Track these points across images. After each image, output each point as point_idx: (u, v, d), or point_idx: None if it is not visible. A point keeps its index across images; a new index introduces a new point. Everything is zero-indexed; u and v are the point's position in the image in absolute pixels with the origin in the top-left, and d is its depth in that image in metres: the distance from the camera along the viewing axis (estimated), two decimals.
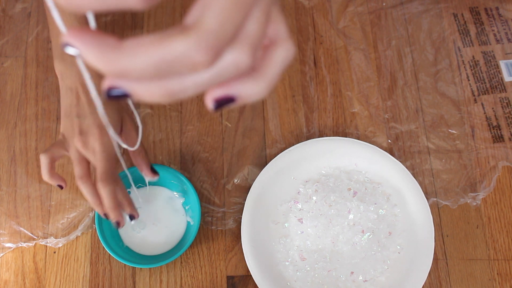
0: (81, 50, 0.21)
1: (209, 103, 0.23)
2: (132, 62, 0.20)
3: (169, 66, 0.20)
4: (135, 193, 0.68)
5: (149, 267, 0.66)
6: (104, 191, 0.52)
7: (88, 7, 0.20)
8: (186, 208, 0.67)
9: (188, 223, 0.67)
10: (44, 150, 0.56)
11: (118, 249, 0.64)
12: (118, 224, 0.54)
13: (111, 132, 0.39)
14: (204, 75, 0.21)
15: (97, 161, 0.52)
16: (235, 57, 0.21)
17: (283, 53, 0.25)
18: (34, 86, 0.76)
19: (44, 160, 0.55)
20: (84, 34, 0.21)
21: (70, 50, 0.21)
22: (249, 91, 0.23)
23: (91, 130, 0.53)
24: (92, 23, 0.24)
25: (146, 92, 0.21)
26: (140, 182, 0.68)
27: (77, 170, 0.54)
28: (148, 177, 0.60)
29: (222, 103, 0.23)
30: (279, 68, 0.24)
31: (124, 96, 0.22)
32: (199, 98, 0.75)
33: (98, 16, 0.80)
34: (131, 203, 0.58)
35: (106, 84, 0.21)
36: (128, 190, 0.68)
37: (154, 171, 0.61)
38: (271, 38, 0.25)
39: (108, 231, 0.65)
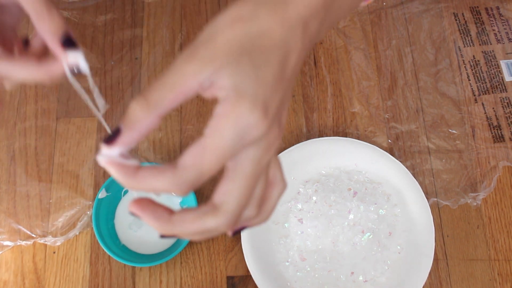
0: (143, 218, 0.31)
1: (229, 233, 0.33)
2: (179, 230, 0.30)
3: (204, 233, 0.30)
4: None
5: (146, 266, 0.66)
6: None
7: None
8: (184, 207, 0.67)
9: None
10: None
11: (115, 248, 0.64)
12: None
13: None
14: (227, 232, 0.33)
15: None
16: (246, 215, 0.32)
17: (279, 191, 0.33)
18: (34, 85, 0.75)
19: None
20: (144, 208, 0.31)
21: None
22: (256, 222, 0.33)
23: None
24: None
25: (188, 236, 0.32)
26: None
27: None
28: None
29: (238, 232, 0.33)
30: (276, 202, 0.33)
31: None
32: (199, 98, 0.75)
33: (98, 15, 0.80)
34: None
35: (160, 233, 0.32)
36: (126, 190, 0.68)
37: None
38: (270, 180, 0.32)
39: (105, 230, 0.65)
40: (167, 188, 0.29)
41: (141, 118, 0.28)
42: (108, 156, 0.31)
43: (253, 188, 0.30)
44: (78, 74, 0.36)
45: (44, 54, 0.36)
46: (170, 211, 0.31)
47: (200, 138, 0.29)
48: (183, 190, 0.29)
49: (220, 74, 0.28)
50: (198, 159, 0.29)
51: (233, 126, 0.27)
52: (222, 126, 0.28)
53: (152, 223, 0.31)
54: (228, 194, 0.30)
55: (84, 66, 0.36)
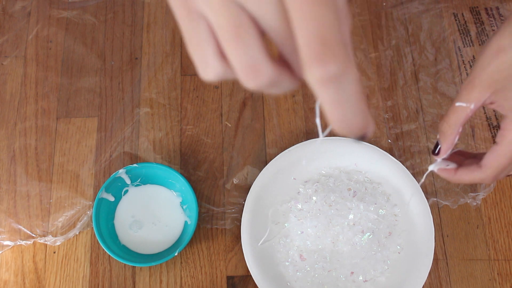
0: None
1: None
2: (463, 179, 0.46)
3: (471, 181, 0.45)
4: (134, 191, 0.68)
5: (146, 266, 0.66)
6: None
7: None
8: (184, 207, 0.67)
9: (186, 222, 0.67)
10: None
11: (115, 248, 0.64)
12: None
13: None
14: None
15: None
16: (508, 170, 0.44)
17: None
18: (34, 85, 0.76)
19: None
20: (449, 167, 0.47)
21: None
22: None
23: None
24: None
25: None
26: (137, 180, 0.68)
27: None
28: None
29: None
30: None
31: None
32: (199, 98, 0.75)
33: (98, 15, 0.80)
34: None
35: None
36: (126, 189, 0.68)
37: None
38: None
39: (105, 230, 0.65)
40: (478, 180, 0.44)
41: (448, 134, 0.43)
42: (438, 165, 0.47)
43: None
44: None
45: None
46: (455, 169, 0.46)
47: (494, 145, 0.41)
48: (489, 181, 0.43)
49: (498, 96, 0.39)
50: (495, 160, 0.41)
51: None
52: (510, 137, 0.40)
53: (443, 174, 0.47)
54: (492, 159, 0.42)
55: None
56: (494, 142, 0.42)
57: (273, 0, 0.19)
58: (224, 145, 0.72)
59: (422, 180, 0.66)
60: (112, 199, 0.67)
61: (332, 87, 0.20)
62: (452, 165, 0.47)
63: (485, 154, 0.43)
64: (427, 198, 0.67)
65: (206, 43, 0.22)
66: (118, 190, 0.67)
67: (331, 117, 0.22)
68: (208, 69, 0.23)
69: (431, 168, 0.48)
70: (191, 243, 0.67)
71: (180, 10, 0.22)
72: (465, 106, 0.41)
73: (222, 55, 0.22)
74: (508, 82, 0.38)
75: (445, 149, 0.45)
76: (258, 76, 0.21)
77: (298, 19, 0.19)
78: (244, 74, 0.21)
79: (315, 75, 0.19)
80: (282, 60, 0.22)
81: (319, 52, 0.19)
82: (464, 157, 0.47)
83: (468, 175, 0.45)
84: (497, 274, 0.66)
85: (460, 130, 0.43)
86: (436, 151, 0.46)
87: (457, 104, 0.42)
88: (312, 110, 0.74)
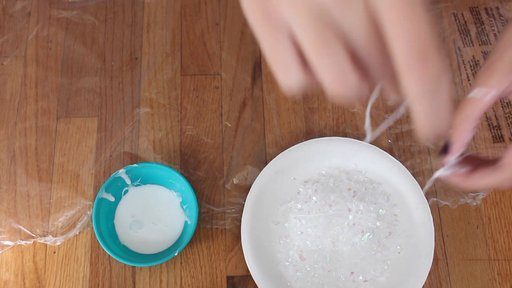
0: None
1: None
2: (477, 184, 0.40)
3: (494, 186, 0.42)
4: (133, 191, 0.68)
5: (146, 266, 0.66)
6: None
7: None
8: (184, 207, 0.67)
9: (186, 222, 0.67)
10: None
11: (115, 248, 0.64)
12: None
13: None
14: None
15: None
16: None
17: None
18: (34, 85, 0.76)
19: None
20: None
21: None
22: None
23: None
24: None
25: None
26: (137, 180, 0.68)
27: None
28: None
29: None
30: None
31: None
32: (199, 97, 0.75)
33: (98, 15, 0.80)
34: None
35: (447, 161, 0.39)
36: (126, 189, 0.68)
37: None
38: None
39: (105, 229, 0.65)
40: (497, 183, 0.39)
41: (462, 130, 0.37)
42: (447, 169, 0.41)
43: None
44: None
45: None
46: (467, 173, 0.40)
47: (509, 146, 0.39)
48: (509, 184, 0.39)
49: None
50: None
51: None
52: None
53: (453, 179, 0.41)
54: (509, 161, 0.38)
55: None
56: None
57: (363, 16, 0.20)
58: (224, 145, 0.72)
59: (427, 187, 0.63)
60: (112, 199, 0.67)
61: (433, 89, 0.21)
62: (462, 170, 0.40)
63: (502, 157, 0.38)
64: (427, 198, 0.67)
65: (289, 53, 0.23)
66: (118, 190, 0.67)
67: (424, 120, 0.23)
68: (291, 77, 0.24)
69: (438, 173, 0.41)
70: (191, 243, 0.67)
71: (261, 23, 0.23)
72: (479, 98, 0.36)
73: (304, 64, 0.23)
74: None
75: (458, 147, 0.38)
76: (346, 85, 0.22)
77: (395, 31, 0.20)
78: (334, 84, 0.22)
79: (416, 79, 0.20)
80: (358, 68, 0.23)
81: (421, 57, 0.20)
82: (475, 164, 0.41)
83: (483, 178, 0.39)
84: (497, 274, 0.66)
85: (475, 124, 0.38)
86: (447, 151, 0.39)
87: (472, 94, 0.37)
88: (312, 110, 0.74)
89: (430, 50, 0.20)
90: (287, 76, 0.24)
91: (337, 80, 0.22)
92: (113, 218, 0.67)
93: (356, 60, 0.23)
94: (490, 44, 0.77)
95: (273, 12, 0.23)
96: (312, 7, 0.21)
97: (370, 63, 0.23)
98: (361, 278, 0.64)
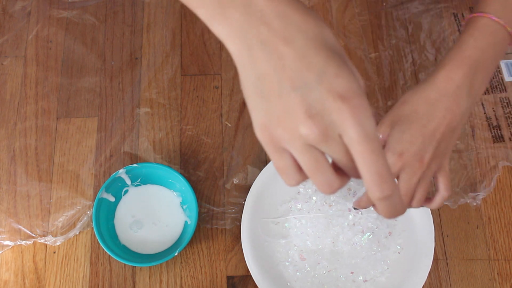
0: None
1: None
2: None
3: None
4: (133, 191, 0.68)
5: (146, 266, 0.66)
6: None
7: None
8: (184, 207, 0.67)
9: (186, 222, 0.67)
10: None
11: (115, 248, 0.64)
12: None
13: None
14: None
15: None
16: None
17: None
18: (34, 85, 0.76)
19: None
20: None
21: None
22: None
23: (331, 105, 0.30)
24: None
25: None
26: (137, 180, 0.68)
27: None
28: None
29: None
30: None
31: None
32: (199, 97, 0.75)
33: (98, 15, 0.80)
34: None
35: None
36: (126, 189, 0.68)
37: None
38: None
39: (105, 230, 0.65)
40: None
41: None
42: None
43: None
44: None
45: None
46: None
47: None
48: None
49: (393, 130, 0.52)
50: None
51: None
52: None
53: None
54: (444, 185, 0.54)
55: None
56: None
57: (343, 151, 0.30)
58: (224, 145, 0.72)
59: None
60: (112, 199, 0.67)
61: (387, 201, 0.31)
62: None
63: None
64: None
65: (289, 164, 0.33)
66: (118, 190, 0.67)
67: (386, 215, 0.33)
68: (293, 180, 0.33)
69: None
70: (191, 243, 0.67)
71: (269, 145, 0.32)
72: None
73: (301, 170, 0.33)
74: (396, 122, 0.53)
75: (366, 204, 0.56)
76: (332, 189, 0.32)
77: (361, 159, 0.30)
78: (323, 189, 0.32)
79: (376, 195, 0.30)
80: (339, 170, 0.33)
81: (379, 183, 0.30)
82: None
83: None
84: (497, 274, 0.66)
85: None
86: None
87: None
88: None
89: (386, 177, 0.30)
90: (288, 179, 0.33)
91: (325, 185, 0.32)
92: (113, 218, 0.67)
93: (337, 166, 0.32)
94: None
95: (278, 140, 0.32)
96: (304, 141, 0.30)
97: (345, 169, 0.32)
98: (361, 278, 0.64)
